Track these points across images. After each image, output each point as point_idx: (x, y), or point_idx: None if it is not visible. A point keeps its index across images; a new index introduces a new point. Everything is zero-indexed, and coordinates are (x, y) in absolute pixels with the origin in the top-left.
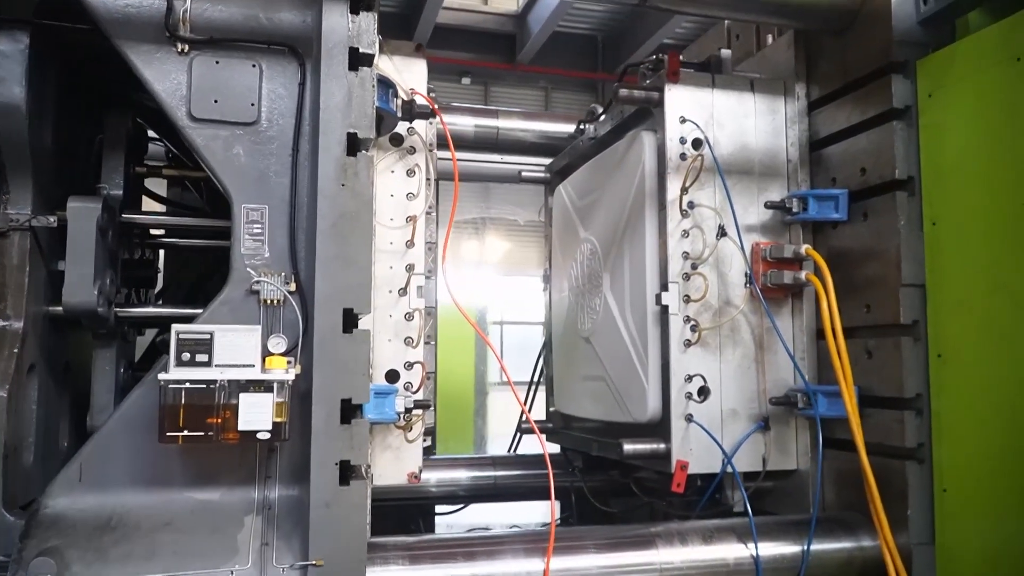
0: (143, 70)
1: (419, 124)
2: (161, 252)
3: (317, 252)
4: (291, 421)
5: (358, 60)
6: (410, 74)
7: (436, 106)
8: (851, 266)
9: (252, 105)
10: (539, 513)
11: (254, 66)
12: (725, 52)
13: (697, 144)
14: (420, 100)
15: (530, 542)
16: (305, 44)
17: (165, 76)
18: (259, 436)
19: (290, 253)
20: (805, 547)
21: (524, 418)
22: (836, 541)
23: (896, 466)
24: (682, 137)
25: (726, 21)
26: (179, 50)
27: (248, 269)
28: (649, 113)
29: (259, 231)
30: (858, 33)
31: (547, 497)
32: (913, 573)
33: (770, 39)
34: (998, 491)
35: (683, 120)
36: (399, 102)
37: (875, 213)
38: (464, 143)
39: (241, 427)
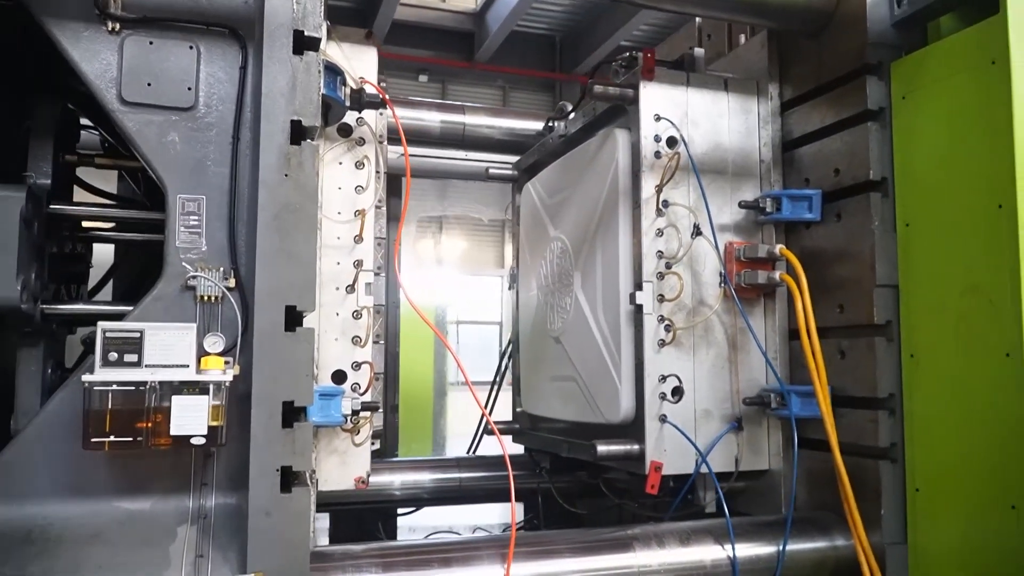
0: (70, 50)
1: (369, 115)
2: (111, 247)
3: (258, 246)
4: (229, 425)
5: (303, 44)
6: (360, 62)
7: (387, 96)
8: (824, 266)
9: (189, 89)
10: (500, 515)
11: (191, 48)
12: (698, 51)
13: (671, 142)
14: (370, 89)
15: (504, 547)
16: (246, 26)
17: (94, 56)
18: (193, 441)
19: (229, 247)
20: (781, 547)
21: (485, 419)
22: (810, 541)
23: (869, 466)
24: (656, 135)
25: (697, 20)
26: (109, 29)
27: (183, 263)
28: (622, 111)
29: (196, 223)
30: (832, 35)
31: (523, 498)
32: (886, 572)
33: (743, 39)
34: (971, 490)
35: (658, 118)
36: (347, 90)
37: (849, 214)
38: (430, 139)
39: (174, 432)
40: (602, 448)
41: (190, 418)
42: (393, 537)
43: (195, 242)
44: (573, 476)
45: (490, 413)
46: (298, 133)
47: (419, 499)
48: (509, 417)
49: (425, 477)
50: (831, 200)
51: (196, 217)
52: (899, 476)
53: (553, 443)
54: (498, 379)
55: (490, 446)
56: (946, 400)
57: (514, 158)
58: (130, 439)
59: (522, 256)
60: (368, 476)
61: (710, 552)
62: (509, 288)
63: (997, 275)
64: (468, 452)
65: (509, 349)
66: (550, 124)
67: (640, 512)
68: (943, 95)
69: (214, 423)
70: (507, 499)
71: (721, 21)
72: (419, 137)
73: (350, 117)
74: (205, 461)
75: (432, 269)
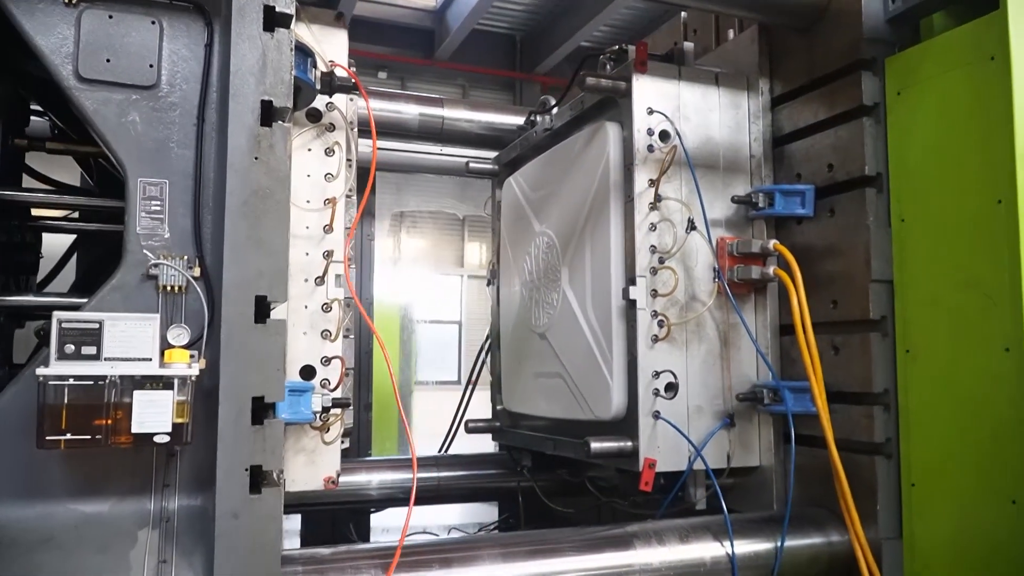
0: (23, 22)
1: (339, 100)
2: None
3: (226, 233)
4: (194, 422)
5: (274, 20)
6: (330, 45)
7: (359, 80)
8: (815, 262)
9: (151, 67)
10: (475, 514)
11: (153, 23)
12: (688, 45)
13: (664, 136)
14: (341, 73)
15: (506, 546)
16: (212, 1)
17: (49, 30)
18: (156, 439)
19: (194, 234)
20: (778, 544)
21: (458, 417)
22: (806, 537)
23: (864, 461)
24: (649, 129)
25: (682, 15)
26: (66, 1)
27: (145, 251)
28: (611, 104)
29: (158, 208)
30: (824, 30)
31: (492, 498)
32: (882, 567)
33: (731, 34)
34: (967, 485)
35: (650, 111)
36: (318, 73)
37: (842, 209)
38: (408, 133)
39: (135, 429)
40: (595, 445)
41: (153, 415)
42: (366, 538)
43: (157, 229)
44: (554, 474)
45: (464, 412)
46: (268, 114)
47: (395, 499)
48: (484, 415)
49: (402, 476)
50: (823, 195)
51: (158, 202)
52: (894, 471)
53: (537, 441)
54: (474, 377)
55: (462, 445)
56: (942, 395)
57: (490, 153)
58: (88, 437)
59: (503, 251)
60: (338, 476)
61: (709, 549)
62: (488, 284)
63: (996, 270)
64: (440, 451)
65: (486, 346)
66: (532, 118)
67: (629, 510)
68: (939, 91)
69: (179, 420)
70: (483, 499)
71: (713, 14)
72: (397, 130)
73: (320, 102)
74: (167, 460)
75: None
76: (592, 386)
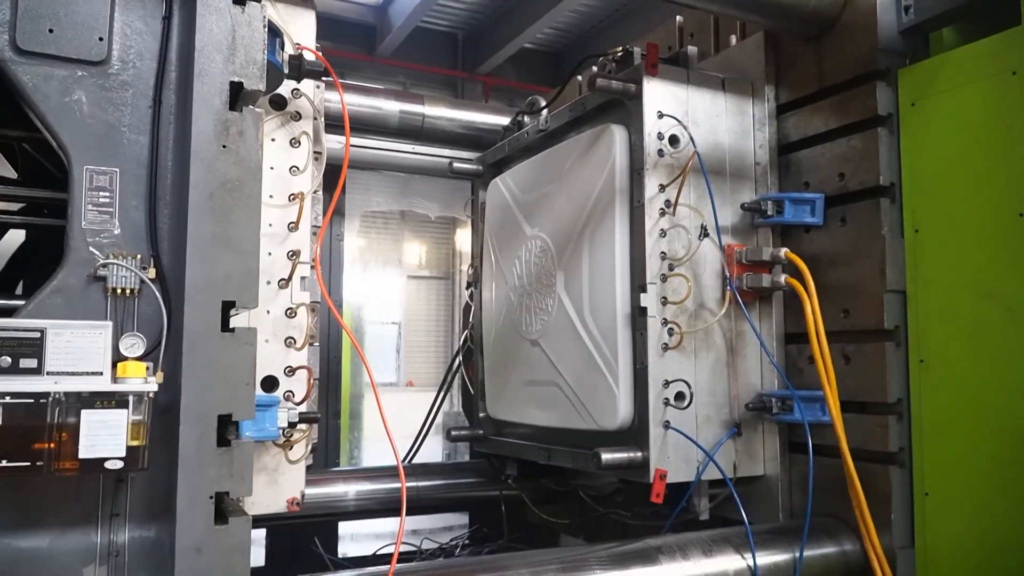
0: None
1: (306, 87)
2: None
3: (189, 230)
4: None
5: None
6: (296, 26)
7: (330, 66)
8: (825, 271)
9: (100, 40)
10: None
11: None
12: (692, 48)
13: (673, 140)
14: (309, 57)
15: (534, 565)
16: None
17: None
18: (108, 465)
19: (148, 231)
20: (797, 555)
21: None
22: (820, 547)
23: (877, 470)
24: (660, 133)
25: (678, 19)
26: None
27: (91, 249)
28: (617, 106)
29: (107, 200)
30: (837, 39)
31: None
32: None
33: (733, 40)
34: (984, 494)
35: (660, 115)
36: (286, 56)
37: (856, 219)
38: (388, 130)
39: (83, 454)
40: (606, 456)
41: (104, 437)
42: (334, 550)
43: (106, 223)
44: (538, 483)
45: (434, 417)
46: (238, 98)
47: (368, 510)
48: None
49: (375, 487)
50: (834, 204)
51: (107, 194)
52: (906, 480)
53: (522, 449)
54: (447, 382)
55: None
56: (957, 404)
57: (465, 153)
58: (27, 464)
59: (487, 255)
60: (303, 497)
61: (732, 562)
62: (468, 288)
63: (1017, 282)
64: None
65: (462, 351)
66: (519, 119)
67: (633, 522)
68: (957, 103)
69: (134, 443)
70: (462, 509)
71: (718, 17)
72: (376, 128)
73: (285, 88)
74: (116, 487)
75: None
76: (594, 395)
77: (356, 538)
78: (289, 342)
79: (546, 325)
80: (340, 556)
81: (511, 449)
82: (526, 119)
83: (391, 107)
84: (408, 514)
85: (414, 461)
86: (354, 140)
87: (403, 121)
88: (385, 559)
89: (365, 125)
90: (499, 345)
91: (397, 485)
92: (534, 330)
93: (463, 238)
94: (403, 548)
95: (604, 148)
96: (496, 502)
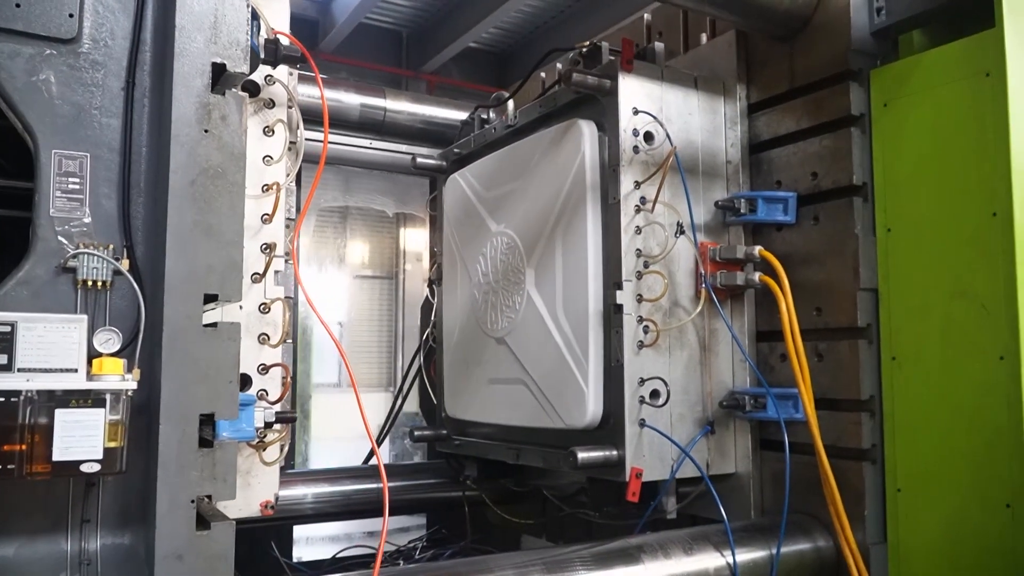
0: None
1: (280, 74)
2: None
3: (169, 219)
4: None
5: None
6: (269, 10)
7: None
8: (797, 269)
9: (71, 17)
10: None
11: None
12: (659, 44)
13: (648, 137)
14: (286, 42)
15: (519, 566)
16: None
17: None
18: (84, 468)
19: (121, 219)
20: (774, 551)
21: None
22: (795, 543)
23: (850, 467)
24: (635, 129)
25: (646, 17)
26: None
27: (60, 238)
28: (590, 102)
29: (76, 187)
30: (808, 39)
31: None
32: (870, 571)
33: (703, 38)
34: (956, 490)
35: (636, 111)
36: (262, 40)
37: (828, 217)
38: (348, 124)
39: (57, 456)
40: (582, 455)
41: (79, 438)
42: (289, 553)
43: (75, 211)
44: (497, 484)
45: (395, 418)
46: (221, 80)
47: (327, 513)
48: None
49: (339, 489)
50: (806, 203)
51: (77, 180)
52: (879, 477)
53: (485, 449)
54: (407, 382)
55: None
56: (931, 401)
57: (425, 149)
58: None
59: (447, 252)
60: (277, 500)
61: (712, 560)
62: (430, 285)
63: (991, 281)
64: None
65: (423, 350)
66: (478, 114)
67: (602, 521)
68: (931, 104)
69: (111, 444)
70: (423, 510)
71: (689, 14)
72: (336, 121)
73: (258, 74)
74: (87, 491)
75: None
76: (562, 393)
77: (311, 541)
78: (263, 339)
79: (513, 323)
80: (295, 560)
81: (477, 449)
82: (491, 114)
83: (352, 100)
84: (364, 516)
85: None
86: (311, 133)
87: (364, 115)
88: (345, 563)
89: (320, 117)
90: (461, 343)
91: (356, 487)
92: (500, 327)
93: (410, 236)
94: (361, 551)
95: (572, 144)
96: (454, 503)
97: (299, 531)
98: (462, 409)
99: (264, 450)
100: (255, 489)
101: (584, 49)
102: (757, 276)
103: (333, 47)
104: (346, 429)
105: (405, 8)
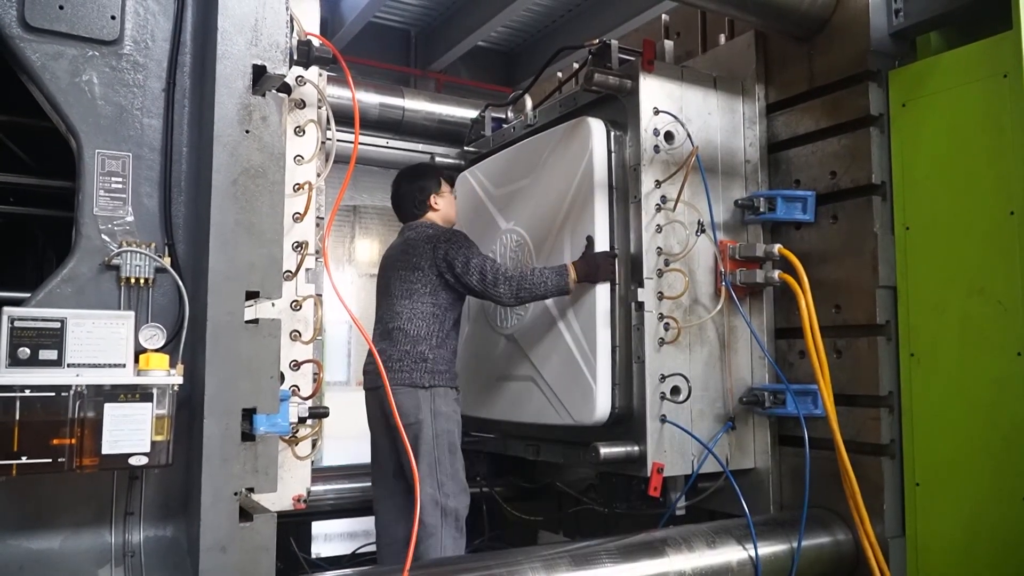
0: None
1: (311, 74)
2: None
3: (212, 218)
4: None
5: None
6: (301, 13)
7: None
8: (816, 267)
9: (113, 19)
10: None
11: None
12: (668, 43)
13: (669, 137)
14: (317, 43)
15: (547, 560)
16: None
17: None
18: (132, 461)
19: (162, 218)
20: (795, 544)
21: None
22: (815, 537)
23: (868, 462)
24: (656, 129)
25: (664, 17)
26: None
27: (104, 236)
28: (610, 101)
29: (119, 186)
30: (827, 40)
31: None
32: (889, 565)
33: (722, 39)
34: (974, 484)
35: (656, 111)
36: (295, 41)
37: (848, 216)
38: (366, 123)
39: (106, 450)
40: (605, 451)
41: (128, 432)
42: (307, 549)
43: (118, 210)
44: (507, 480)
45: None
46: (261, 82)
47: (346, 510)
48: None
49: (358, 485)
50: (825, 202)
51: (119, 179)
52: (897, 472)
53: (511, 446)
54: None
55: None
56: (948, 397)
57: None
58: (48, 460)
59: None
60: (309, 493)
61: (735, 553)
62: None
63: (1008, 279)
64: None
65: None
66: (495, 114)
67: (624, 512)
68: (949, 105)
69: (158, 438)
70: None
71: (712, 15)
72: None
73: (289, 75)
74: (130, 485)
75: None
76: (571, 390)
77: (329, 538)
78: (294, 335)
79: (522, 320)
80: (314, 556)
81: (493, 446)
82: (509, 113)
83: (371, 99)
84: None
85: None
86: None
87: (383, 114)
88: (366, 558)
89: (343, 117)
90: (471, 340)
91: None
92: (509, 325)
93: None
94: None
95: (580, 142)
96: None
97: (317, 527)
98: (468, 406)
99: (296, 445)
100: (287, 483)
101: (593, 48)
102: (776, 274)
103: (342, 46)
104: (356, 427)
105: (413, 7)
